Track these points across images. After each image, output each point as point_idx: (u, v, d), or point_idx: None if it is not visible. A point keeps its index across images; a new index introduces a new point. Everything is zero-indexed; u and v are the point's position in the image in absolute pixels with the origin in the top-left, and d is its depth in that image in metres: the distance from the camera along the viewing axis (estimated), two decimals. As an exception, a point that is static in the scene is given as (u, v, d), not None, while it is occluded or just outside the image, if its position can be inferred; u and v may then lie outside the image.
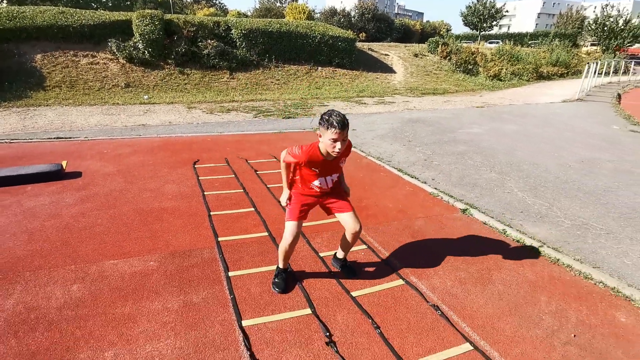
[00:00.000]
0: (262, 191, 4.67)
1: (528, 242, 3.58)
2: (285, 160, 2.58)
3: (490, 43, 40.96)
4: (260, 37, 16.06)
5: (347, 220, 2.68)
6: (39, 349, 2.18)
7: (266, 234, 3.62)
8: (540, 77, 23.69)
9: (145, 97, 11.94)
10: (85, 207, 4.06)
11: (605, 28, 38.31)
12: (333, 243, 3.47)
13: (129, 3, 51.85)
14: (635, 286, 2.92)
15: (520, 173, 5.55)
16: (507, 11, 39.17)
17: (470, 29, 42.22)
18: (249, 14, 41.86)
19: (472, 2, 39.74)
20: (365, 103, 12.49)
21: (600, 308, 2.72)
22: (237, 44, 15.89)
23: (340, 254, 3.03)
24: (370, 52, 21.03)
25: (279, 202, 2.53)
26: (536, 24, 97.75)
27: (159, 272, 2.96)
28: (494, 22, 40.45)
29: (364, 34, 25.75)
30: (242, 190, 4.67)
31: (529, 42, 42.18)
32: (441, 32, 42.11)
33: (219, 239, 3.49)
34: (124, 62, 13.58)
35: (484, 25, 39.52)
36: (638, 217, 4.13)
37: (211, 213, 4.01)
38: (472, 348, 2.31)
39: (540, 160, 6.18)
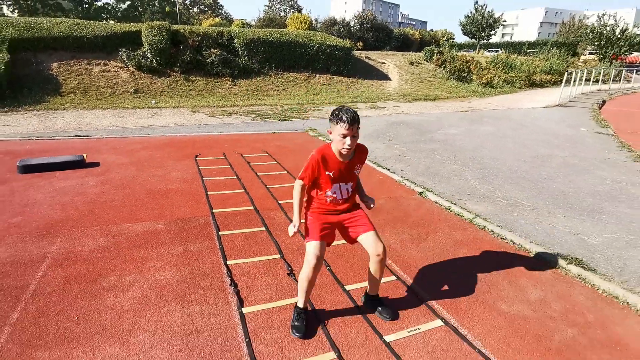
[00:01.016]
0: (252, 178, 5.51)
1: (466, 215, 4.39)
2: (300, 177, 2.45)
3: (489, 51, 41.94)
4: (261, 46, 17.04)
5: (368, 241, 2.45)
6: (79, 274, 3.02)
7: (252, 207, 4.46)
8: (533, 84, 24.48)
9: (153, 102, 12.89)
10: (104, 187, 4.93)
11: (602, 37, 39.05)
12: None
13: (137, 13, 53.40)
14: (535, 242, 3.71)
15: (479, 166, 6.36)
16: (504, 21, 40.08)
17: (469, 37, 43.18)
18: (253, 23, 43.20)
19: (471, 12, 40.71)
20: (357, 108, 13.37)
21: (503, 257, 3.52)
22: (240, 53, 16.87)
23: (370, 290, 2.70)
24: (367, 60, 21.97)
25: (287, 231, 2.47)
26: (539, 33, 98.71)
27: (166, 231, 3.80)
28: (492, 32, 41.34)
29: (361, 43, 26.66)
30: (235, 177, 5.52)
31: (528, 51, 43.07)
32: (440, 41, 43.09)
33: (214, 210, 4.33)
34: (134, 69, 14.58)
35: (482, 34, 40.42)
36: (562, 198, 4.92)
37: (208, 193, 4.86)
38: (395, 278, 3.12)
39: (500, 156, 6.99)
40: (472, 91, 19.85)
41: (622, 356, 2.36)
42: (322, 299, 2.83)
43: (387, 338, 2.45)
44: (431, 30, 78.56)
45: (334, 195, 2.47)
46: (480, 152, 7.25)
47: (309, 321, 2.53)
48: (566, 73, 15.72)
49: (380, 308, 2.66)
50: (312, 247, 2.37)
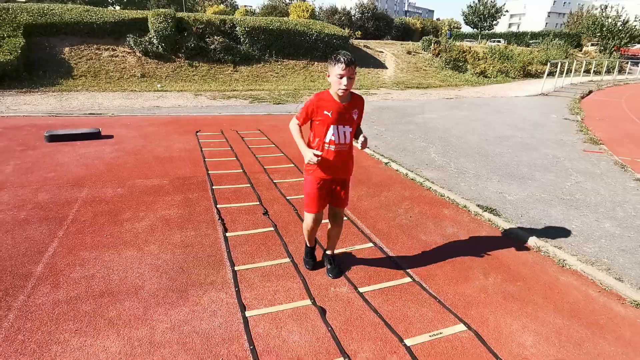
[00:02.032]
0: (244, 149, 6.43)
1: (418, 179, 5.29)
2: (298, 119, 2.62)
3: (492, 42, 42.28)
4: (262, 34, 17.80)
5: (334, 214, 2.87)
6: (104, 211, 3.96)
7: (241, 171, 5.38)
8: (528, 75, 25.06)
9: (159, 85, 13.78)
10: (118, 154, 5.87)
11: (604, 28, 39.23)
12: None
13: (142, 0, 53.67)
14: (464, 198, 4.61)
15: (444, 143, 7.24)
16: (507, 11, 40.23)
17: (471, 27, 43.47)
18: (257, 10, 43.68)
19: (474, 2, 40.94)
20: (350, 94, 14.19)
21: (436, 207, 4.44)
22: (241, 40, 17.64)
23: (328, 251, 3.13)
24: (365, 49, 22.65)
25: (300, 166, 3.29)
26: (546, 23, 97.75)
27: (169, 185, 4.74)
28: (494, 22, 41.60)
29: (359, 32, 27.25)
30: (229, 149, 6.44)
31: (530, 42, 43.31)
32: (441, 31, 43.41)
33: (209, 172, 5.26)
34: (140, 55, 15.45)
35: (484, 24, 40.72)
36: (503, 169, 5.81)
37: (205, 159, 5.78)
38: (348, 219, 4.05)
39: (465, 136, 7.85)
40: (465, 80, 20.55)
41: (494, 264, 3.27)
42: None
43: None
44: (437, 19, 78.39)
45: (333, 139, 2.54)
46: (449, 133, 8.12)
47: (315, 256, 3.12)
48: (549, 64, 16.40)
49: (328, 267, 3.05)
50: (310, 218, 2.78)
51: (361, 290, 2.87)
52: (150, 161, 5.61)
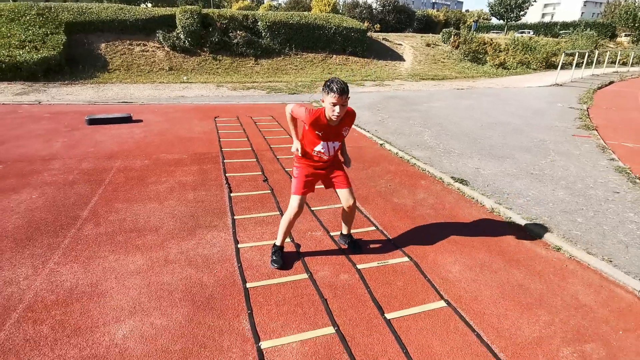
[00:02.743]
0: (255, 132, 7.21)
1: (406, 157, 5.91)
2: (292, 113, 2.85)
3: (521, 33, 41.46)
4: (282, 29, 18.58)
5: (344, 195, 2.98)
6: (133, 177, 4.84)
7: (250, 149, 6.17)
8: (552, 66, 24.74)
9: (185, 78, 14.81)
10: (146, 134, 6.78)
11: (637, 19, 37.81)
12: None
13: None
14: (442, 172, 5.21)
15: (439, 128, 7.79)
16: (535, 1, 39.30)
17: (497, 19, 42.75)
18: (283, 4, 44.52)
19: (500, -8, 40.28)
20: (364, 85, 14.78)
21: (415, 179, 5.06)
22: (262, 35, 18.48)
23: (344, 230, 3.34)
24: (384, 41, 23.05)
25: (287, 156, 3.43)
26: (582, 13, 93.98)
27: (188, 159, 5.58)
28: (522, 12, 40.77)
29: (378, 26, 27.58)
30: (242, 131, 7.24)
31: (560, 32, 42.20)
32: (468, 23, 42.91)
33: (222, 149, 6.07)
34: (168, 49, 16.54)
35: (511, 15, 39.99)
36: (487, 149, 6.34)
37: (220, 139, 6.61)
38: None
39: (462, 122, 8.36)
40: (483, 72, 20.65)
41: (448, 219, 3.90)
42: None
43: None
44: (467, 10, 76.70)
45: (322, 151, 2.82)
46: (447, 119, 8.63)
47: (286, 256, 3.13)
48: (562, 55, 16.37)
49: (351, 242, 3.32)
50: (294, 200, 2.87)
51: (332, 234, 3.58)
52: (172, 140, 6.48)
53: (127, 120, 7.58)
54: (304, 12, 21.64)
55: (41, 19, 14.94)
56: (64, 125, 7.24)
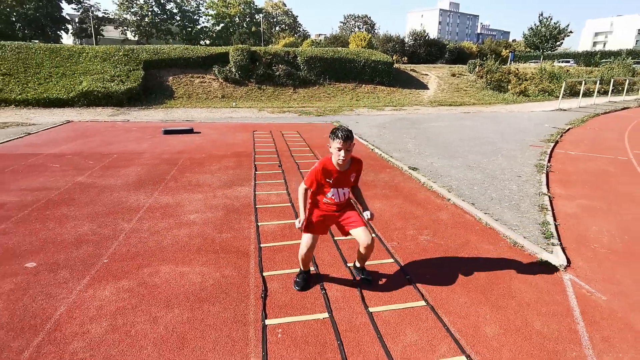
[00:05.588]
0: (282, 141, 9.70)
1: (385, 157, 8.07)
2: (304, 182, 3.01)
3: (561, 62, 42.14)
4: (318, 62, 21.51)
5: (359, 235, 3.02)
6: (195, 163, 7.43)
7: (274, 149, 8.63)
8: (577, 94, 25.61)
9: (233, 104, 17.90)
10: (203, 141, 9.49)
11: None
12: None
13: (228, 34, 61.54)
14: (406, 165, 7.31)
15: (425, 140, 9.86)
16: (571, 32, 40.12)
17: (532, 49, 43.75)
18: (323, 39, 48.53)
19: (535, 24, 41.50)
20: (383, 109, 17.08)
21: (382, 167, 7.21)
22: (301, 67, 21.49)
23: (358, 264, 3.44)
24: (411, 72, 25.34)
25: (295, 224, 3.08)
26: (636, 41, 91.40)
27: (230, 155, 8.12)
28: (558, 43, 41.60)
29: (405, 58, 29.99)
30: (272, 140, 9.77)
31: (600, 61, 42.35)
32: (503, 53, 44.23)
33: (255, 149, 8.58)
34: (222, 81, 19.90)
35: (546, 45, 40.95)
36: (451, 153, 8.33)
37: (255, 144, 9.15)
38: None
39: (447, 136, 10.36)
40: (502, 99, 22.21)
41: (392, 188, 6.00)
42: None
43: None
44: (514, 40, 77.01)
45: (333, 198, 3.00)
46: (436, 134, 10.67)
47: (308, 280, 3.28)
48: (564, 83, 17.85)
49: (363, 275, 3.37)
50: (306, 238, 3.04)
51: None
52: (221, 144, 9.12)
53: (190, 131, 10.41)
54: (338, 48, 24.60)
55: (126, 58, 18.84)
56: (148, 134, 10.17)
